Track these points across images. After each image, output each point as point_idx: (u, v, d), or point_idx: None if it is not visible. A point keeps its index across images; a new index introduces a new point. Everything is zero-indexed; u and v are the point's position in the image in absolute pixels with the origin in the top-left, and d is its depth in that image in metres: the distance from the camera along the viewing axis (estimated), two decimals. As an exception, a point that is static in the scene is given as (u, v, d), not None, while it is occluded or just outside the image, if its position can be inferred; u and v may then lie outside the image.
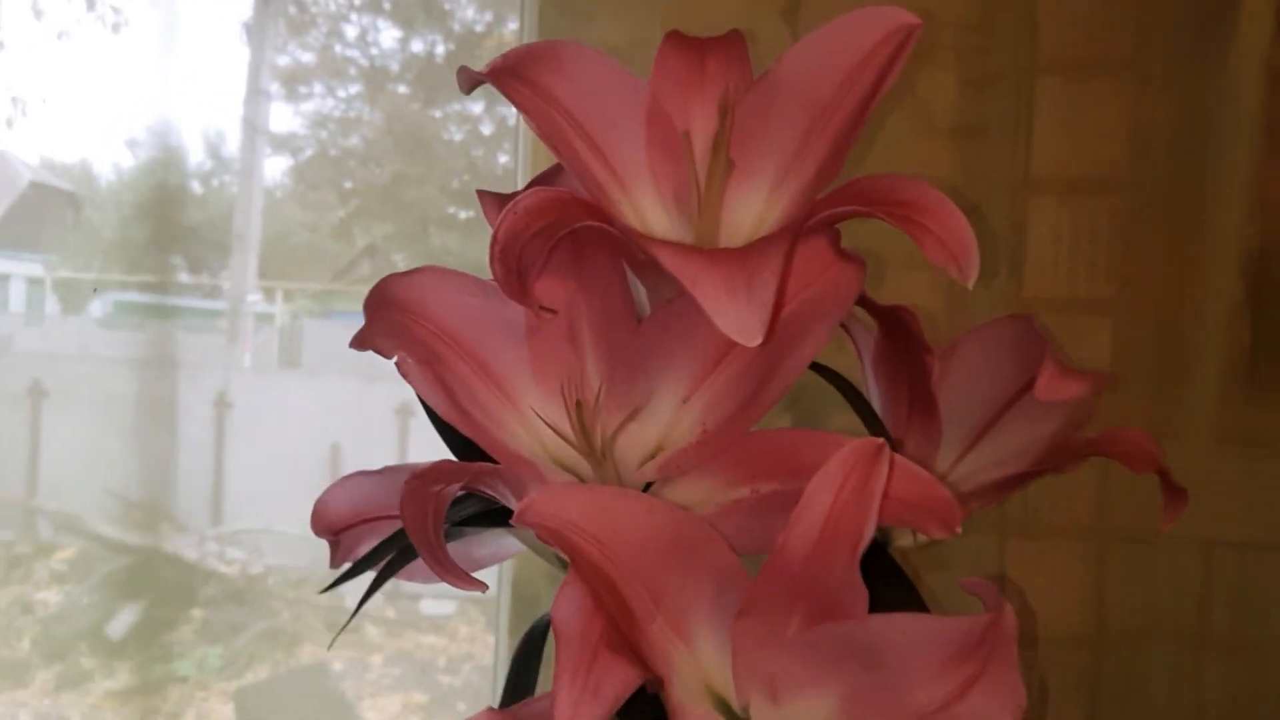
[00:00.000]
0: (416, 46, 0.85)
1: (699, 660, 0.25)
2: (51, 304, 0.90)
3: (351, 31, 0.84)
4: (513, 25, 0.65)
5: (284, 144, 0.85)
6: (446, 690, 0.83)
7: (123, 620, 0.77)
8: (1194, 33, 0.61)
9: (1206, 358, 0.61)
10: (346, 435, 0.81)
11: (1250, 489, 0.60)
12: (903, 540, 0.34)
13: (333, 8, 0.85)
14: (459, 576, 0.26)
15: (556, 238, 0.26)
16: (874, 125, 0.52)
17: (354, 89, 0.85)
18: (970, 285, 0.26)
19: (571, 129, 0.29)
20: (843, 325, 0.37)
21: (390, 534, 0.31)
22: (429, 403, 0.28)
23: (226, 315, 0.85)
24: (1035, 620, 0.59)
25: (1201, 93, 0.60)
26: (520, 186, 0.32)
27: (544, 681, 0.27)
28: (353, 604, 0.31)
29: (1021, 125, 0.61)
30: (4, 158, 0.91)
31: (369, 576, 0.31)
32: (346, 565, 0.33)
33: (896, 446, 0.27)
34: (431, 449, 0.31)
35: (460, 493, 0.28)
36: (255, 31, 0.81)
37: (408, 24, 0.85)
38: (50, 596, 0.81)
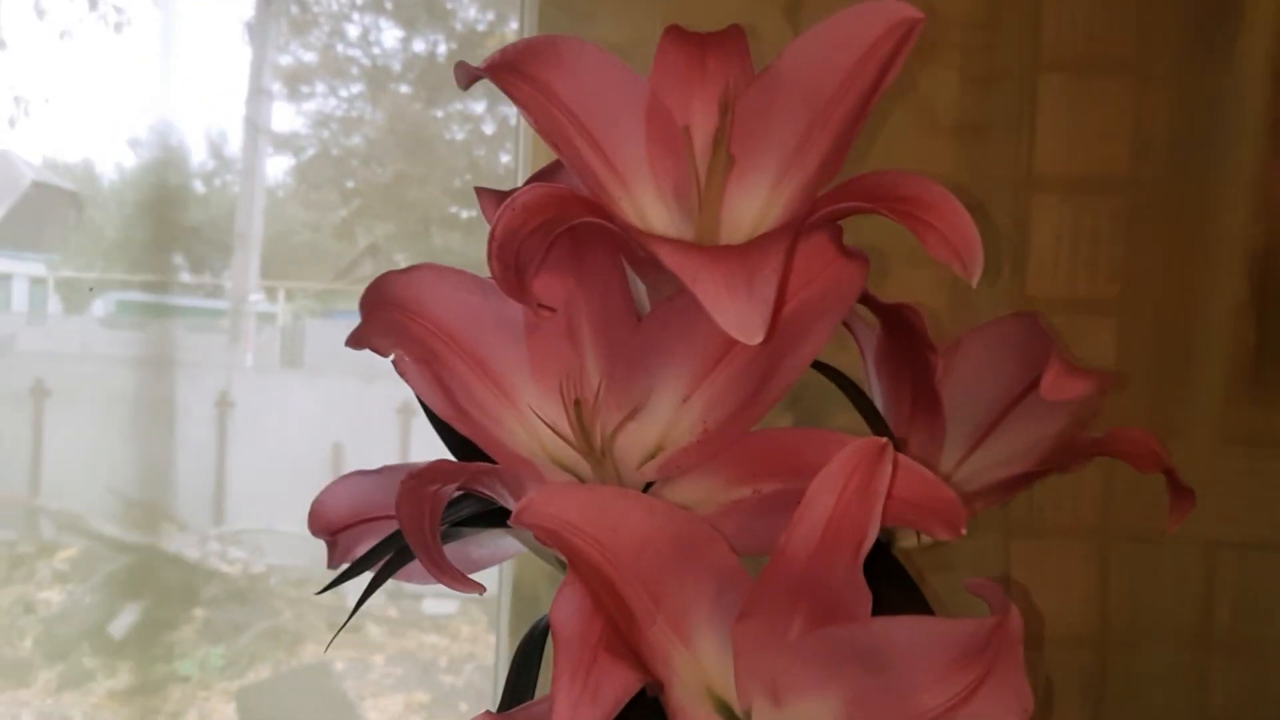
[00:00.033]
0: (418, 46, 0.85)
1: (700, 662, 0.25)
2: (54, 303, 0.90)
3: (353, 31, 0.84)
4: (515, 25, 0.65)
5: (286, 143, 0.85)
6: (449, 690, 0.83)
7: (125, 620, 0.77)
8: (1198, 31, 0.60)
9: (1210, 357, 0.60)
10: (348, 435, 0.81)
11: (1254, 489, 0.60)
12: (906, 541, 0.34)
13: (335, 7, 0.85)
14: (455, 578, 0.25)
15: (555, 234, 0.25)
16: (876, 122, 0.51)
17: (356, 88, 0.85)
18: (974, 283, 0.26)
19: (571, 125, 0.28)
20: (845, 323, 0.36)
21: (389, 534, 0.31)
22: (426, 401, 0.27)
23: (228, 315, 0.85)
24: (1041, 621, 0.58)
25: (1206, 91, 0.60)
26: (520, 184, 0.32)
27: (545, 684, 0.27)
28: (355, 603, 0.31)
29: (1024, 123, 0.61)
30: (6, 157, 0.91)
31: (369, 576, 0.31)
32: (344, 566, 0.32)
33: (900, 446, 0.27)
34: (433, 448, 0.31)
35: (458, 493, 0.27)
36: (257, 31, 0.81)
37: (410, 24, 0.85)
38: (52, 596, 0.81)
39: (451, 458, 0.30)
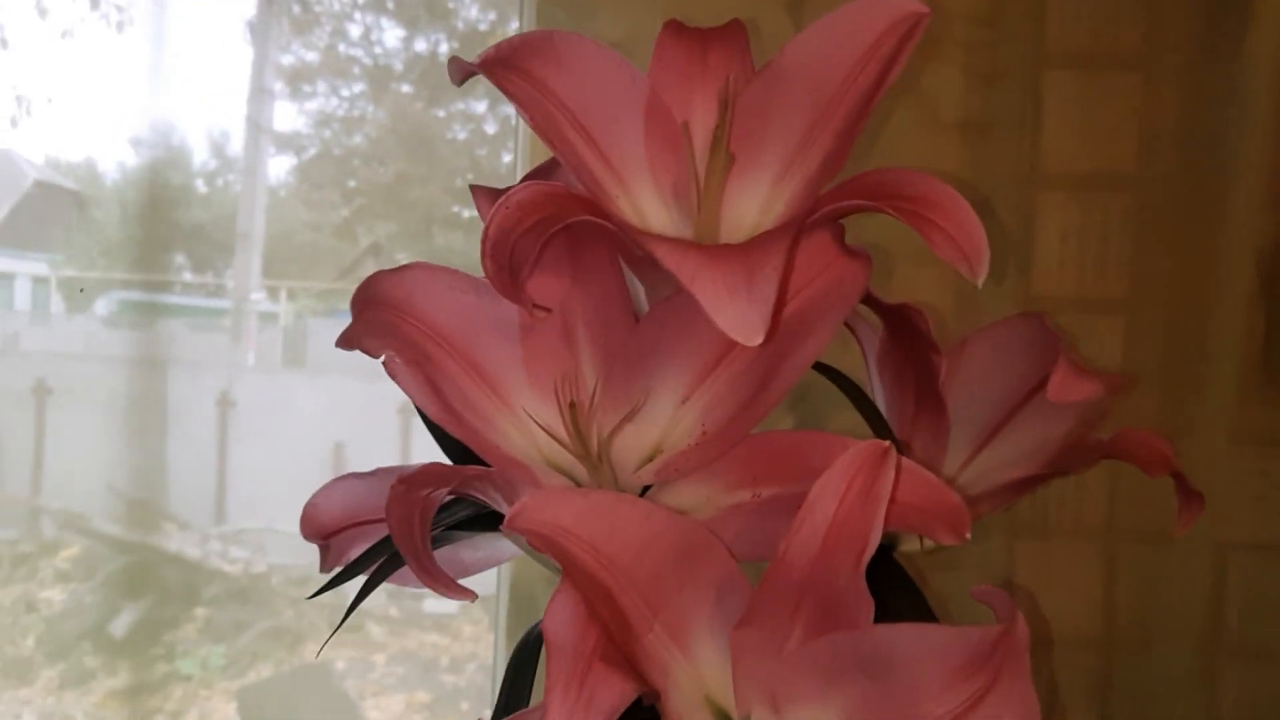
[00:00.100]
0: (420, 46, 0.85)
1: (698, 670, 0.25)
2: (56, 303, 0.90)
3: (355, 30, 0.84)
4: (516, 25, 0.64)
5: (288, 143, 0.85)
6: (450, 689, 0.82)
7: (126, 619, 0.77)
8: (1206, 25, 0.60)
9: (1220, 356, 0.60)
10: (350, 434, 0.81)
11: (1264, 489, 0.59)
12: (909, 545, 0.33)
13: (336, 7, 0.84)
14: (446, 585, 0.25)
15: (550, 233, 0.25)
16: (879, 120, 0.51)
17: (358, 88, 0.85)
18: (980, 283, 0.25)
19: (567, 122, 0.28)
20: (847, 324, 0.36)
21: (382, 537, 0.30)
22: (417, 404, 0.27)
23: (230, 314, 0.85)
24: (1047, 624, 0.58)
25: (1214, 86, 0.59)
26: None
27: (540, 692, 0.27)
28: (348, 608, 0.31)
29: (1030, 120, 0.60)
30: (9, 157, 0.91)
31: (365, 579, 0.30)
32: (338, 569, 0.32)
33: (903, 449, 0.26)
34: (435, 449, 0.30)
35: (450, 497, 0.27)
36: (259, 30, 0.81)
37: (411, 23, 0.84)
38: (54, 595, 0.81)
39: (447, 461, 0.30)
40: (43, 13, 0.77)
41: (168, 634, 0.77)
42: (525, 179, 0.29)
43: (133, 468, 0.75)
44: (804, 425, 0.48)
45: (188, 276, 0.83)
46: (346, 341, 0.27)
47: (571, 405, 0.27)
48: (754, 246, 0.25)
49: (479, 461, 0.27)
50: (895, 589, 0.28)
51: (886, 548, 0.30)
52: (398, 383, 0.27)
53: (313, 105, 0.83)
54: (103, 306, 0.86)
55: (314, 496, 0.32)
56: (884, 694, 0.23)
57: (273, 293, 0.87)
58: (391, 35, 0.84)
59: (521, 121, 0.61)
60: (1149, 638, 0.60)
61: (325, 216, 0.86)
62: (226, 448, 0.80)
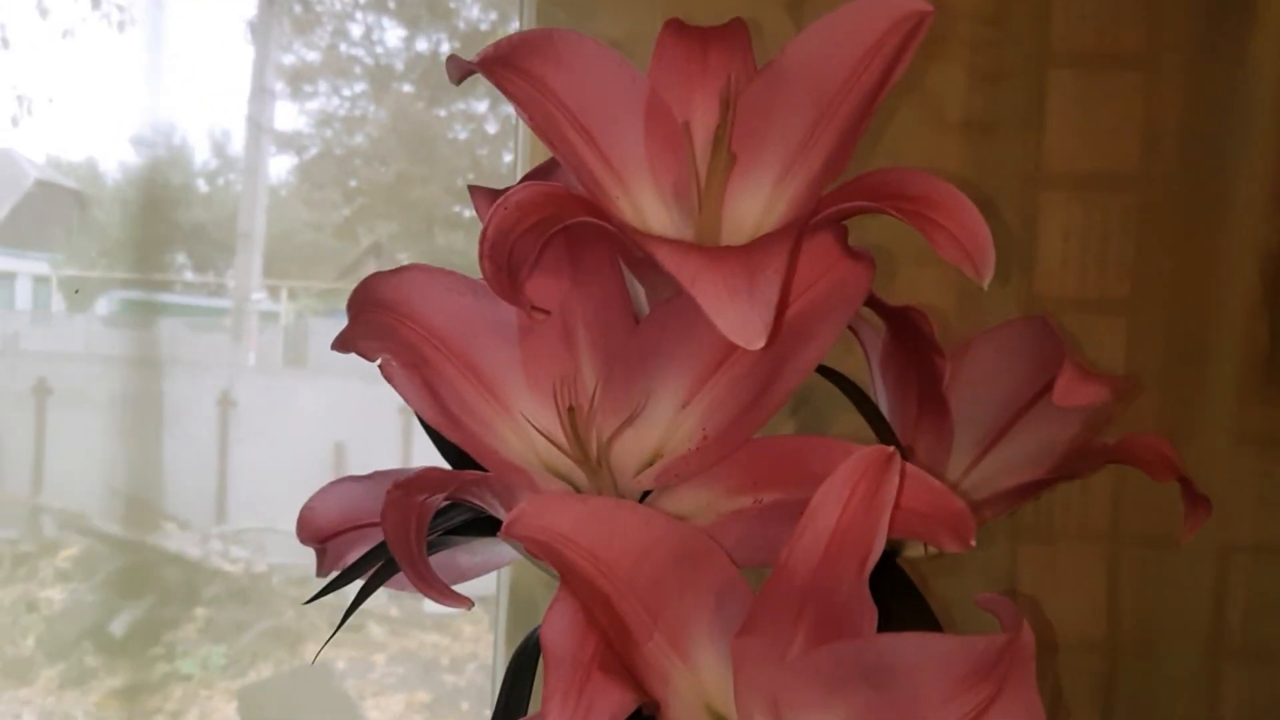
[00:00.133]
0: (421, 45, 0.84)
1: (698, 679, 0.24)
2: (57, 302, 0.90)
3: (356, 30, 0.84)
4: (517, 25, 0.64)
5: (289, 143, 0.85)
6: (450, 689, 0.82)
7: (126, 619, 0.77)
8: (1210, 24, 0.59)
9: (1223, 357, 0.59)
10: (351, 434, 0.81)
11: (1268, 490, 0.59)
12: (913, 551, 0.33)
13: (337, 6, 0.84)
14: (442, 592, 0.25)
15: (549, 234, 0.25)
16: (882, 119, 0.50)
17: (359, 88, 0.85)
18: (985, 285, 0.25)
19: (567, 121, 0.27)
20: (849, 326, 0.35)
21: (379, 541, 0.30)
22: (414, 408, 0.27)
23: (231, 314, 0.85)
24: (1052, 630, 0.58)
25: (1218, 86, 0.59)
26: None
27: (539, 699, 0.26)
28: (344, 613, 0.30)
29: (1033, 120, 0.60)
30: (10, 156, 0.91)
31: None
32: (334, 573, 0.32)
33: (906, 453, 0.26)
34: (436, 449, 0.30)
35: (446, 502, 0.27)
36: (260, 30, 0.81)
37: (412, 23, 0.84)
38: (54, 595, 0.81)
39: (446, 464, 0.30)
40: (44, 12, 0.77)
41: (168, 634, 0.77)
42: (524, 179, 0.29)
43: (133, 467, 0.75)
44: (806, 429, 0.48)
45: (189, 276, 0.83)
46: (343, 344, 0.27)
47: (570, 409, 0.26)
48: (756, 248, 0.24)
49: (477, 466, 0.27)
50: (899, 596, 0.28)
51: (889, 554, 0.29)
52: (394, 386, 0.26)
53: (314, 105, 0.83)
54: (103, 306, 0.86)
55: (310, 500, 0.31)
56: (887, 704, 0.22)
57: (274, 292, 0.87)
58: (393, 35, 0.84)
59: (522, 121, 0.60)
60: (1152, 640, 0.60)
61: (326, 216, 0.86)
62: (227, 447, 0.80)
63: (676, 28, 0.30)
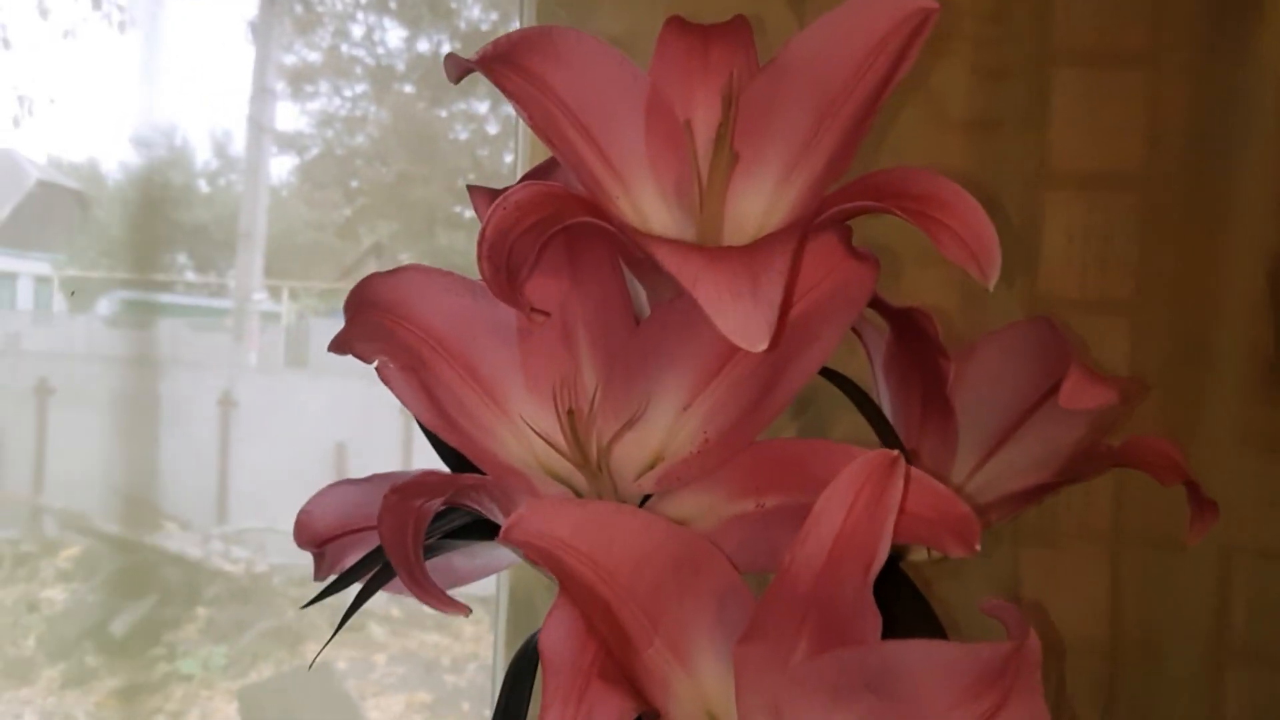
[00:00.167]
0: (422, 46, 0.84)
1: (700, 686, 0.24)
2: (59, 302, 0.90)
3: (357, 31, 0.84)
4: (517, 24, 0.64)
5: (290, 143, 0.85)
6: (451, 689, 0.82)
7: (127, 619, 0.77)
8: (1215, 22, 0.59)
9: (1226, 358, 0.59)
10: (352, 434, 0.81)
11: (1271, 492, 0.59)
12: (917, 554, 0.33)
13: (339, 7, 0.84)
14: (439, 599, 0.24)
15: (549, 234, 0.24)
16: (884, 118, 0.50)
17: (360, 88, 0.85)
18: (991, 286, 0.24)
19: (566, 119, 0.27)
20: (852, 327, 0.35)
21: (378, 545, 0.30)
22: (411, 410, 0.26)
23: (232, 314, 0.85)
24: (1058, 635, 0.57)
25: (1223, 84, 0.59)
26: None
27: (539, 705, 0.26)
28: (342, 618, 0.30)
29: (1036, 119, 0.60)
30: (11, 157, 0.91)
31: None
32: (332, 578, 0.31)
33: (910, 457, 0.26)
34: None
35: (444, 506, 0.26)
36: (261, 30, 0.81)
37: (414, 23, 0.84)
38: (55, 595, 0.81)
39: (445, 467, 0.29)
40: (45, 13, 0.77)
41: (169, 634, 0.77)
42: (524, 179, 0.29)
43: (134, 467, 0.75)
44: (808, 432, 0.47)
45: (190, 276, 0.83)
46: (339, 346, 0.27)
47: (570, 412, 0.26)
48: (758, 249, 0.24)
49: (476, 469, 0.27)
50: (903, 601, 0.27)
51: (893, 558, 0.29)
52: (391, 389, 0.26)
53: (315, 105, 0.83)
54: (105, 306, 0.86)
55: (307, 504, 0.31)
56: (892, 712, 0.22)
57: (275, 292, 0.87)
58: (394, 35, 0.84)
59: (523, 122, 0.60)
60: (1154, 642, 0.59)
61: (327, 216, 0.86)
62: (228, 448, 0.80)
63: (678, 25, 0.30)
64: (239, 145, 0.84)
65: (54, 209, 0.90)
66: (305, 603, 0.30)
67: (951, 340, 0.34)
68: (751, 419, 0.26)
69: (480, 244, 0.23)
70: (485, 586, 0.64)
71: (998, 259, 0.25)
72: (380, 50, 0.85)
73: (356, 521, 0.31)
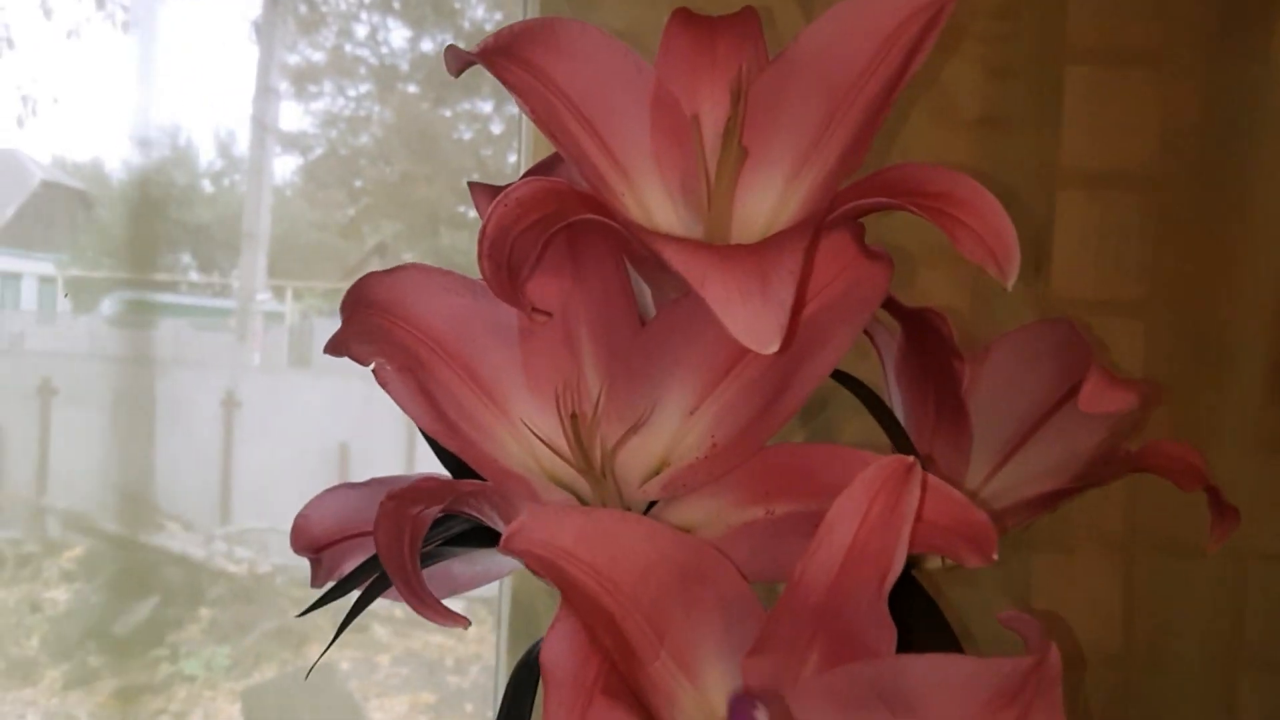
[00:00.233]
0: (426, 45, 0.84)
1: (707, 700, 0.23)
2: (62, 302, 0.90)
3: (361, 30, 0.84)
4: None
5: (294, 143, 0.85)
6: (454, 690, 0.82)
7: (130, 619, 0.77)
8: (1228, 19, 0.58)
9: (1242, 360, 0.58)
10: (355, 435, 0.81)
11: (1287, 497, 0.58)
12: (930, 562, 0.32)
13: (342, 6, 0.84)
14: (436, 610, 0.23)
15: (551, 232, 0.23)
16: (893, 116, 0.49)
17: (364, 88, 0.85)
18: (1010, 285, 0.23)
19: (569, 113, 0.26)
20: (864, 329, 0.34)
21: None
22: (409, 414, 0.25)
23: (236, 314, 0.85)
24: (1077, 645, 0.56)
25: (1237, 82, 0.58)
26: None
27: (540, 715, 0.25)
28: (340, 624, 0.29)
29: (1048, 117, 0.59)
30: (15, 157, 0.91)
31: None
32: (330, 584, 0.31)
33: (924, 463, 0.25)
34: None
35: (442, 513, 0.25)
36: (264, 30, 0.81)
37: (417, 23, 0.84)
38: (59, 595, 0.81)
39: (445, 472, 0.29)
40: (48, 13, 0.77)
41: (172, 634, 0.76)
42: (526, 175, 0.28)
43: (137, 467, 0.75)
44: (818, 436, 0.46)
45: (193, 276, 0.83)
46: (335, 347, 0.26)
47: (573, 416, 0.25)
48: (768, 247, 0.23)
49: (477, 474, 0.26)
50: (915, 611, 0.26)
51: (907, 568, 0.28)
52: (388, 391, 0.25)
53: (319, 105, 0.83)
54: (108, 306, 0.86)
55: (305, 508, 0.30)
56: (907, 729, 0.21)
57: (278, 292, 0.87)
58: (398, 35, 0.84)
59: (526, 121, 0.59)
60: (1168, 648, 0.58)
61: (331, 216, 0.86)
62: (231, 448, 0.80)
63: (684, 17, 0.29)
64: (243, 145, 0.84)
65: (58, 209, 0.90)
66: (302, 611, 0.29)
67: (961, 342, 0.33)
68: (761, 423, 0.25)
69: (481, 241, 0.23)
70: (487, 587, 0.64)
71: (1017, 257, 0.24)
72: (384, 50, 0.84)
73: (355, 526, 0.30)
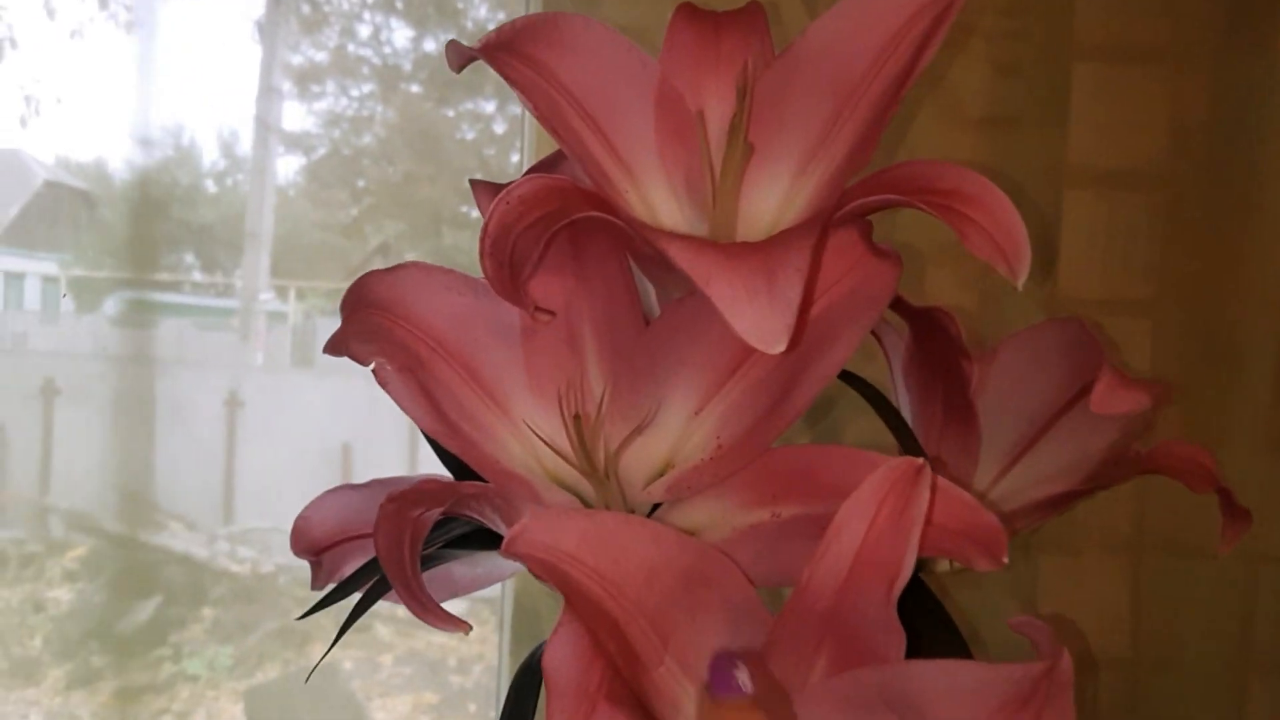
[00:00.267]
0: (429, 45, 0.84)
1: (712, 706, 0.23)
2: (66, 302, 0.90)
3: (364, 30, 0.84)
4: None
5: (297, 143, 0.85)
6: (457, 690, 0.82)
7: (133, 619, 0.77)
8: (1237, 16, 0.57)
9: (1251, 361, 0.58)
10: (358, 435, 0.81)
11: (1298, 499, 0.57)
12: (939, 565, 0.31)
13: (345, 6, 0.84)
14: (436, 615, 0.23)
15: (554, 230, 0.23)
16: (900, 114, 0.49)
17: (367, 88, 0.85)
18: (1020, 284, 0.23)
19: (573, 110, 0.26)
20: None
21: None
22: (409, 414, 0.25)
23: (239, 314, 0.85)
24: (1088, 648, 0.56)
25: (1246, 79, 0.57)
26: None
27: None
28: (340, 629, 0.29)
29: (1056, 115, 0.58)
30: (18, 157, 0.91)
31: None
32: (330, 587, 0.30)
33: (932, 464, 0.24)
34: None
35: (443, 516, 0.25)
36: (267, 30, 0.81)
37: (420, 23, 0.84)
38: (62, 595, 0.81)
39: (448, 472, 0.28)
40: (51, 13, 0.77)
41: (175, 634, 0.76)
42: (528, 172, 0.28)
43: (140, 467, 0.75)
44: (825, 438, 0.46)
45: (196, 276, 0.83)
46: (334, 346, 0.25)
47: (576, 417, 0.25)
48: (775, 245, 0.23)
49: (479, 476, 0.25)
50: (924, 615, 0.26)
51: (915, 571, 0.28)
52: (388, 391, 0.25)
53: (322, 105, 0.83)
54: (111, 306, 0.86)
55: (305, 510, 0.30)
56: (916, 736, 0.21)
57: (281, 292, 0.87)
58: (400, 35, 0.84)
59: (530, 121, 0.59)
60: (1176, 652, 0.58)
61: (334, 216, 0.85)
62: (234, 447, 0.80)
63: (689, 12, 0.28)
64: (245, 145, 0.84)
65: (61, 209, 0.90)
66: (302, 614, 0.29)
67: (969, 341, 0.33)
68: (767, 424, 0.25)
69: (483, 240, 0.22)
70: (490, 587, 0.64)
71: (1028, 255, 0.23)
72: (387, 50, 0.84)
73: (355, 528, 0.30)
